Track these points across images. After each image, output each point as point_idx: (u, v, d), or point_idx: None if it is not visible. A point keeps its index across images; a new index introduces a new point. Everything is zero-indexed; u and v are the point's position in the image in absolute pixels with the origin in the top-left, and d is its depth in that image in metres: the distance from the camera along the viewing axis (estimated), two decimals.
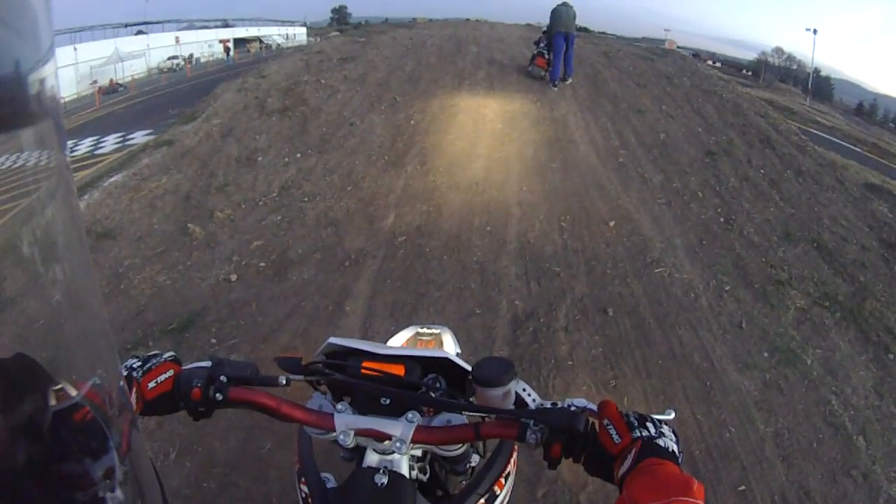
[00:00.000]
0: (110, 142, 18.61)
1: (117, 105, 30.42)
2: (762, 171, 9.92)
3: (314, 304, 6.12)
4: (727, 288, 6.67)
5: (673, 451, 1.17)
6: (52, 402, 0.75)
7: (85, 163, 15.44)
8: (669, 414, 1.36)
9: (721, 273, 6.95)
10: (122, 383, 0.94)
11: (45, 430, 0.74)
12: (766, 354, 5.60)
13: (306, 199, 8.50)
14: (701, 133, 11.33)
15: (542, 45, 15.68)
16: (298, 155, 9.91)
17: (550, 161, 9.61)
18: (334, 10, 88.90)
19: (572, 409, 1.32)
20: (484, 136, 10.59)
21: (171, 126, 12.69)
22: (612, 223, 7.76)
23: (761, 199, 8.95)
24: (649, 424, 1.22)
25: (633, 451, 1.16)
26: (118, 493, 0.81)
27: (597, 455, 1.24)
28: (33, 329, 0.75)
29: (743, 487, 4.16)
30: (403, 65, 15.30)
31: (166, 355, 1.53)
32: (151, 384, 1.43)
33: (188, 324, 5.84)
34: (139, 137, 17.16)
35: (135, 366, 1.47)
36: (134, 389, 1.40)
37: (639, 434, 1.19)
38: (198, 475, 3.98)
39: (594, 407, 1.33)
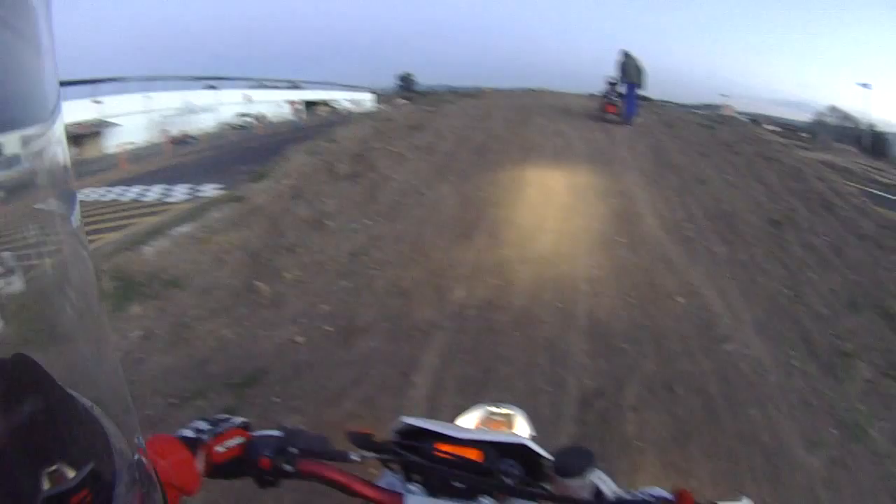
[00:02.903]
0: (180, 192, 19.11)
1: (187, 156, 31.13)
2: (825, 237, 9.87)
3: (381, 373, 6.12)
4: (795, 363, 6.60)
5: None
6: (46, 485, 0.65)
7: (154, 209, 15.85)
8: (743, 501, 1.34)
9: (789, 347, 6.89)
10: (138, 457, 0.84)
11: None
12: (833, 430, 5.52)
13: (376, 266, 8.58)
14: (764, 202, 11.30)
15: (612, 95, 18.53)
16: (368, 221, 10.04)
17: (618, 235, 9.59)
18: (401, 78, 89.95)
19: (651, 499, 1.34)
20: (552, 209, 10.62)
21: (241, 182, 12.92)
22: (679, 298, 7.72)
23: (825, 268, 8.90)
24: None
25: None
26: None
27: None
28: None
29: None
30: (472, 135, 15.51)
31: (237, 420, 1.53)
32: (220, 448, 1.43)
33: (251, 380, 5.91)
34: (209, 190, 17.62)
35: (204, 428, 1.46)
36: (202, 453, 1.40)
37: None
38: None
39: (670, 496, 1.35)
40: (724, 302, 7.79)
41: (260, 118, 54.03)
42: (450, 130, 15.72)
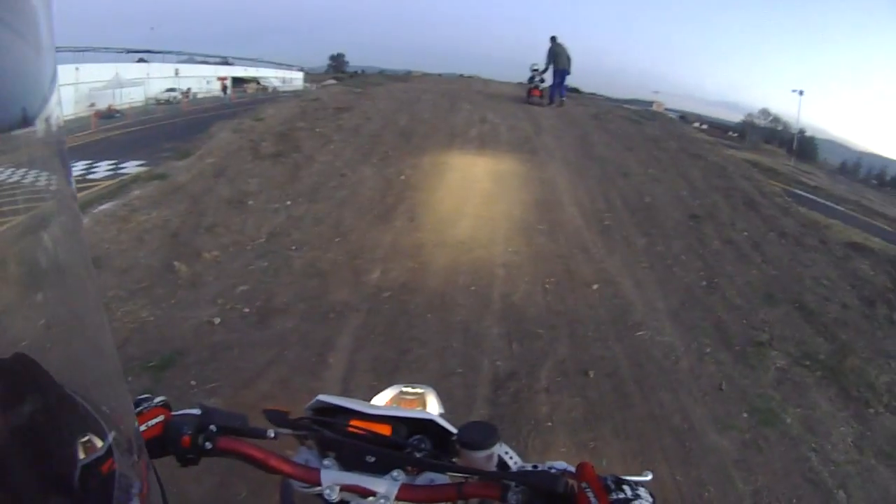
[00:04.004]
0: (102, 168, 18.56)
1: (112, 131, 30.21)
2: (745, 233, 10.08)
3: (297, 354, 6.08)
4: (708, 350, 6.69)
5: None
6: (81, 455, 0.74)
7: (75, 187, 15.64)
8: (647, 476, 1.36)
9: (702, 336, 6.98)
10: (136, 424, 0.96)
11: (76, 486, 0.72)
12: (745, 415, 5.61)
13: (294, 247, 8.51)
14: (686, 196, 11.52)
15: (536, 79, 19.95)
16: (289, 202, 9.95)
17: (537, 222, 9.66)
18: (332, 58, 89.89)
19: (552, 471, 1.35)
20: (473, 195, 10.67)
21: (164, 160, 12.65)
22: (595, 286, 7.79)
23: (744, 262, 9.08)
24: (626, 487, 1.25)
25: None
26: None
27: None
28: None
29: None
30: (397, 119, 15.49)
31: (157, 400, 1.54)
32: (141, 428, 1.42)
33: (169, 362, 5.80)
34: (131, 167, 17.17)
35: None
36: None
37: (615, 497, 1.22)
38: None
39: (573, 469, 1.34)
40: (639, 291, 7.90)
41: (187, 94, 53.13)
42: (376, 113, 15.68)
